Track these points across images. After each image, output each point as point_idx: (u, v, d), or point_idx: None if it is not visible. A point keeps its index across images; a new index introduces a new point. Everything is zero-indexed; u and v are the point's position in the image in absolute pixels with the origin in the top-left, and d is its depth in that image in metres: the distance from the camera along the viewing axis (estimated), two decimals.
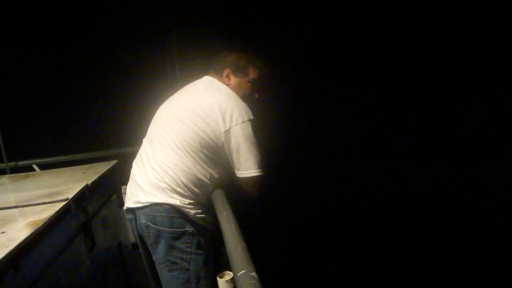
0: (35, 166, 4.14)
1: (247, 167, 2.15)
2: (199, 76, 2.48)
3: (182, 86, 2.51)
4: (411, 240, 4.82)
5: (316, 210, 5.29)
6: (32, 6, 4.97)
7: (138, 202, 2.14)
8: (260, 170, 2.17)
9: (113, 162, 3.26)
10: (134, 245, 3.38)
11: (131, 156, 3.99)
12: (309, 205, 5.35)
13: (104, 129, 5.45)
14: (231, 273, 2.04)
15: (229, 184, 2.28)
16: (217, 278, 1.46)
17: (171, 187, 2.07)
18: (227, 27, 5.04)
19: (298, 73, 5.58)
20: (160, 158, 2.15)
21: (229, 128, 2.09)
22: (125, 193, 3.47)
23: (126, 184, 3.52)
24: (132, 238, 3.45)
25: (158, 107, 2.50)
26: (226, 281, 1.86)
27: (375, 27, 5.77)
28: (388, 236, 4.84)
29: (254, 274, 1.16)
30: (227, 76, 2.34)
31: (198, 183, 2.12)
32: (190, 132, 2.12)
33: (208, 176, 2.15)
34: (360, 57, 5.89)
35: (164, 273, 2.15)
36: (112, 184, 3.20)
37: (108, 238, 2.91)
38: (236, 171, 2.19)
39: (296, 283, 4.21)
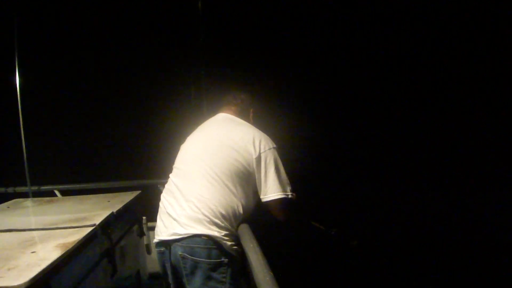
0: (57, 192, 4.22)
1: (273, 190, 2.31)
2: None
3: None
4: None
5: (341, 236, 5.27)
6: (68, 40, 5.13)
7: (175, 234, 2.21)
8: (285, 193, 2.32)
9: (137, 193, 3.32)
10: (151, 275, 3.42)
11: (152, 188, 4.09)
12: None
13: (126, 161, 5.54)
14: None
15: (254, 214, 2.39)
16: None
17: (209, 218, 2.15)
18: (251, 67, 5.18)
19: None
20: (197, 190, 2.25)
21: (259, 154, 2.30)
22: (145, 223, 3.56)
23: (147, 215, 3.60)
24: (149, 268, 3.49)
25: (180, 144, 2.65)
26: None
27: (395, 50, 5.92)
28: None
29: None
30: (253, 115, 2.66)
31: (233, 214, 2.23)
32: (225, 163, 2.27)
33: (241, 207, 2.27)
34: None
35: None
36: (134, 214, 3.26)
37: (128, 267, 2.94)
38: (262, 196, 2.35)
39: None
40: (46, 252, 1.81)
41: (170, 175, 2.55)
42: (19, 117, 3.94)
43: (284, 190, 2.32)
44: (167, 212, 2.33)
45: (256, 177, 2.32)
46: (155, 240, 2.39)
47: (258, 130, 2.46)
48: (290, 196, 2.35)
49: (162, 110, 5.43)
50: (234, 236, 2.22)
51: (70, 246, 1.90)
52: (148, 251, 3.65)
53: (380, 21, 5.85)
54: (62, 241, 1.98)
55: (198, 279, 2.17)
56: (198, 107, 4.23)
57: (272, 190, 2.32)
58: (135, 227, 3.25)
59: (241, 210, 2.27)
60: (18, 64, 3.93)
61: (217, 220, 2.17)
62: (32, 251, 1.85)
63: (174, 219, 2.25)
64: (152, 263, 3.43)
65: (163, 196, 2.48)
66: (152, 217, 3.42)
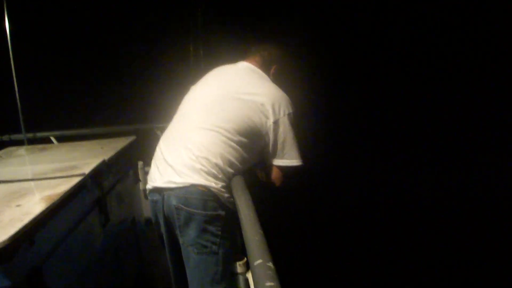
0: (52, 138, 4.17)
1: (291, 157, 2.24)
2: (224, 59, 2.51)
3: (205, 69, 2.54)
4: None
5: (332, 205, 5.35)
6: None
7: (171, 182, 2.09)
8: (302, 160, 2.26)
9: (131, 138, 3.24)
10: (148, 221, 3.39)
11: (148, 132, 4.02)
12: (325, 200, 5.40)
13: (122, 105, 5.47)
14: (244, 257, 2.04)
15: (249, 170, 2.29)
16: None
17: (206, 168, 2.05)
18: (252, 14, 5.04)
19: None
20: (199, 138, 2.12)
21: (278, 119, 2.16)
22: (141, 168, 3.48)
23: (142, 160, 3.54)
24: (146, 213, 3.46)
25: (178, 88, 2.53)
26: (239, 264, 1.88)
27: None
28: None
29: (270, 264, 1.12)
30: (274, 72, 2.43)
31: (231, 167, 2.11)
32: (235, 118, 2.13)
33: (240, 161, 2.15)
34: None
35: (191, 256, 2.11)
36: (129, 160, 3.19)
37: (122, 214, 2.91)
38: (276, 159, 2.26)
39: (310, 272, 4.24)
40: (31, 205, 1.75)
41: (173, 119, 2.40)
42: (10, 63, 3.81)
43: (301, 158, 2.26)
44: (164, 158, 2.21)
45: (271, 140, 2.21)
46: (148, 187, 2.28)
47: (280, 90, 2.29)
48: (304, 164, 2.28)
49: (158, 55, 5.31)
50: (231, 189, 2.11)
51: (56, 198, 1.83)
52: (146, 196, 3.61)
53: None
54: (49, 192, 1.91)
55: (192, 231, 2.07)
56: (195, 53, 4.10)
57: (289, 156, 2.24)
58: (130, 173, 3.20)
59: (240, 165, 2.16)
60: (7, 8, 3.76)
61: (214, 171, 2.06)
62: (17, 204, 1.79)
63: (170, 165, 2.13)
64: (149, 208, 3.41)
65: (162, 140, 2.35)
66: (149, 162, 3.37)
